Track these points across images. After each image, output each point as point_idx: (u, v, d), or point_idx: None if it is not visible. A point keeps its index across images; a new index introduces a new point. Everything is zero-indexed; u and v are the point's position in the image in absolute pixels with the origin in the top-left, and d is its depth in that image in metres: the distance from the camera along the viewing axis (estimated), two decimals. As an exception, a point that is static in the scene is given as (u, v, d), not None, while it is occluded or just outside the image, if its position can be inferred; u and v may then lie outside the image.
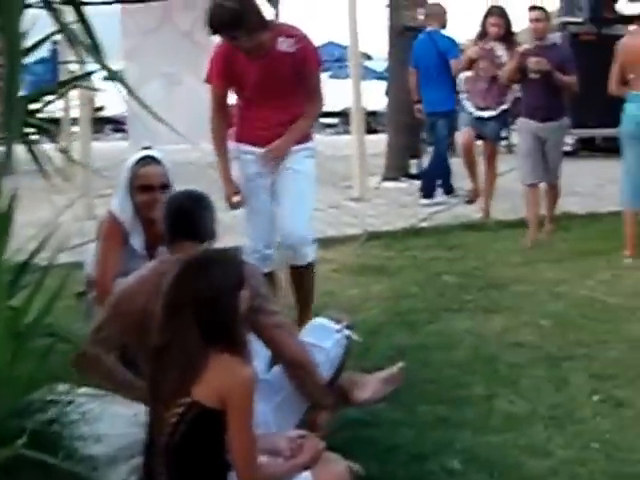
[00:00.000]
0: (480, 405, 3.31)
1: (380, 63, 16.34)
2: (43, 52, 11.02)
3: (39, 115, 2.24)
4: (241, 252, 3.26)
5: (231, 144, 4.15)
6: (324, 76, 13.36)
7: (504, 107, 7.11)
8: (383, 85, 10.55)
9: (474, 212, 7.34)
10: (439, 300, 4.78)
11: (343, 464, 2.49)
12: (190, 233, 2.71)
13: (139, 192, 3.41)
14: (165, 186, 3.41)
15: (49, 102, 2.26)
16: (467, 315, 4.50)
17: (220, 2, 3.74)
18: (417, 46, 8.22)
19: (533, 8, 6.31)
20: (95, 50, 1.98)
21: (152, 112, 1.99)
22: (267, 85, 3.91)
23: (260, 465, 2.22)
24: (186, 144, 4.50)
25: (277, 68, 3.86)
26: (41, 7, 2.05)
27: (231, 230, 4.36)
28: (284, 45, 3.86)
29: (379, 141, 10.12)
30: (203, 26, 3.81)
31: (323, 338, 3.02)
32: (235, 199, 4.11)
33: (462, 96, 7.32)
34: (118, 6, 5.51)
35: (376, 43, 14.04)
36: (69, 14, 2.03)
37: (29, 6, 2.04)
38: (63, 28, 2.02)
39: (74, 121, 8.30)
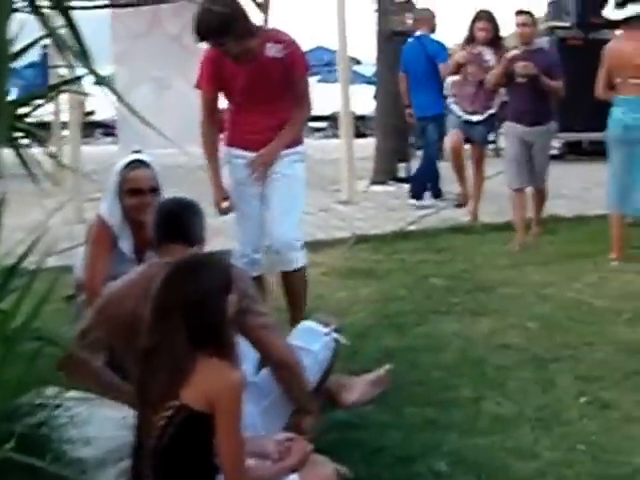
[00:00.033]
0: (467, 407, 3.32)
1: (369, 67, 16.40)
2: (33, 56, 11.03)
3: (28, 119, 2.24)
4: (230, 256, 3.27)
5: (222, 148, 4.16)
6: (313, 80, 13.44)
7: (491, 111, 7.16)
8: (372, 89, 10.60)
9: (462, 215, 7.38)
10: (427, 303, 4.79)
11: (331, 466, 2.50)
12: (179, 236, 2.73)
13: (128, 196, 3.42)
14: (154, 189, 3.42)
15: (38, 106, 2.26)
16: (455, 318, 4.52)
17: (208, 8, 3.74)
18: (406, 51, 8.27)
19: (520, 13, 6.33)
20: (83, 55, 1.98)
21: (140, 116, 2.00)
22: (255, 90, 3.92)
23: (248, 468, 2.23)
24: (175, 148, 4.52)
25: (265, 74, 3.87)
26: (29, 12, 2.05)
27: (221, 233, 4.38)
28: (272, 51, 3.87)
29: (367, 145, 10.16)
30: (192, 31, 3.82)
31: (311, 341, 3.04)
32: (224, 205, 4.12)
33: (449, 100, 7.37)
34: (108, 10, 5.51)
35: (365, 48, 14.09)
36: (58, 18, 2.03)
37: (16, 10, 2.04)
38: (51, 33, 2.02)
39: (64, 125, 8.31)
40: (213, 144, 4.12)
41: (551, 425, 3.15)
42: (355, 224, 7.16)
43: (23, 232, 2.26)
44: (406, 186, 8.66)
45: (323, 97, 10.68)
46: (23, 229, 2.34)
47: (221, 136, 4.21)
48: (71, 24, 1.99)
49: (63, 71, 5.89)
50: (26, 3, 2.01)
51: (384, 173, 9.45)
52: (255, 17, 3.93)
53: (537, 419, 3.19)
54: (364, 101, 13.46)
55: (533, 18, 6.41)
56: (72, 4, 2.13)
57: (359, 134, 10.99)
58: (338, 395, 3.26)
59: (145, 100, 7.15)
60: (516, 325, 4.33)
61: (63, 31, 2.02)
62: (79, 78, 2.34)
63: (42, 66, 10.57)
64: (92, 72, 1.99)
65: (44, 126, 8.97)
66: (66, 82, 2.76)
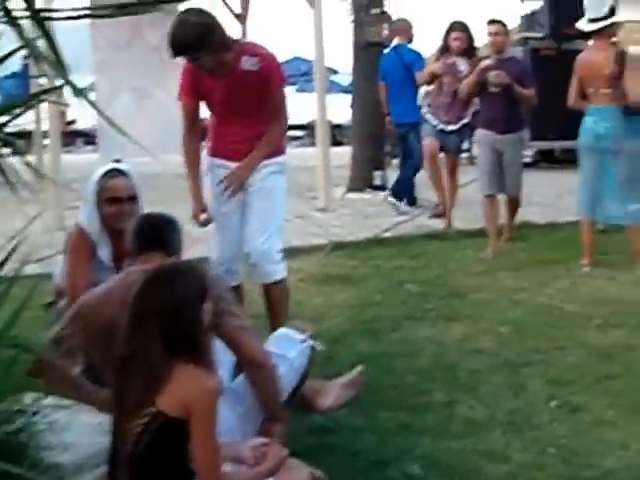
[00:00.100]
0: (440, 411, 3.36)
1: (345, 77, 16.49)
2: (14, 67, 10.98)
3: (8, 129, 2.25)
4: (207, 264, 3.31)
5: (205, 158, 4.17)
6: (290, 90, 13.43)
7: (465, 121, 7.25)
8: (348, 98, 10.65)
9: (437, 222, 7.45)
10: (402, 308, 4.84)
11: (306, 471, 2.54)
12: (159, 245, 2.77)
13: (107, 204, 3.44)
14: (133, 198, 3.45)
15: (16, 115, 2.27)
16: (429, 323, 4.56)
17: (184, 21, 3.73)
18: (384, 60, 8.37)
19: (492, 22, 6.38)
20: (60, 66, 1.98)
21: (117, 127, 2.02)
22: (233, 102, 3.92)
23: (224, 473, 2.25)
24: (155, 156, 4.55)
25: (241, 86, 3.87)
26: (4, 22, 2.05)
27: (200, 241, 4.39)
28: (247, 64, 3.86)
29: (344, 153, 10.21)
30: (167, 46, 3.79)
31: (287, 348, 3.07)
32: (202, 217, 4.12)
33: (423, 110, 7.45)
34: (87, 20, 5.50)
35: (341, 58, 14.18)
36: (35, 29, 2.04)
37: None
38: (27, 44, 2.02)
39: (45, 134, 8.30)
40: (194, 155, 4.10)
41: (522, 428, 3.19)
42: (331, 231, 7.21)
43: (3, 239, 2.28)
44: (382, 194, 8.73)
45: (300, 106, 10.74)
46: (3, 236, 2.36)
47: (203, 144, 4.23)
48: (47, 35, 1.99)
49: (44, 81, 5.88)
50: (2, 14, 2.02)
51: (360, 181, 9.51)
52: (233, 28, 3.94)
53: (508, 423, 3.24)
54: (341, 110, 13.52)
55: (505, 27, 6.48)
56: (49, 15, 2.14)
57: (336, 142, 11.06)
58: (313, 400, 3.30)
59: (125, 110, 7.18)
60: (488, 330, 4.38)
61: (40, 42, 2.03)
62: (58, 88, 2.36)
63: (23, 76, 10.52)
64: (69, 83, 2.00)
65: (26, 135, 8.96)
66: (45, 91, 2.77)
